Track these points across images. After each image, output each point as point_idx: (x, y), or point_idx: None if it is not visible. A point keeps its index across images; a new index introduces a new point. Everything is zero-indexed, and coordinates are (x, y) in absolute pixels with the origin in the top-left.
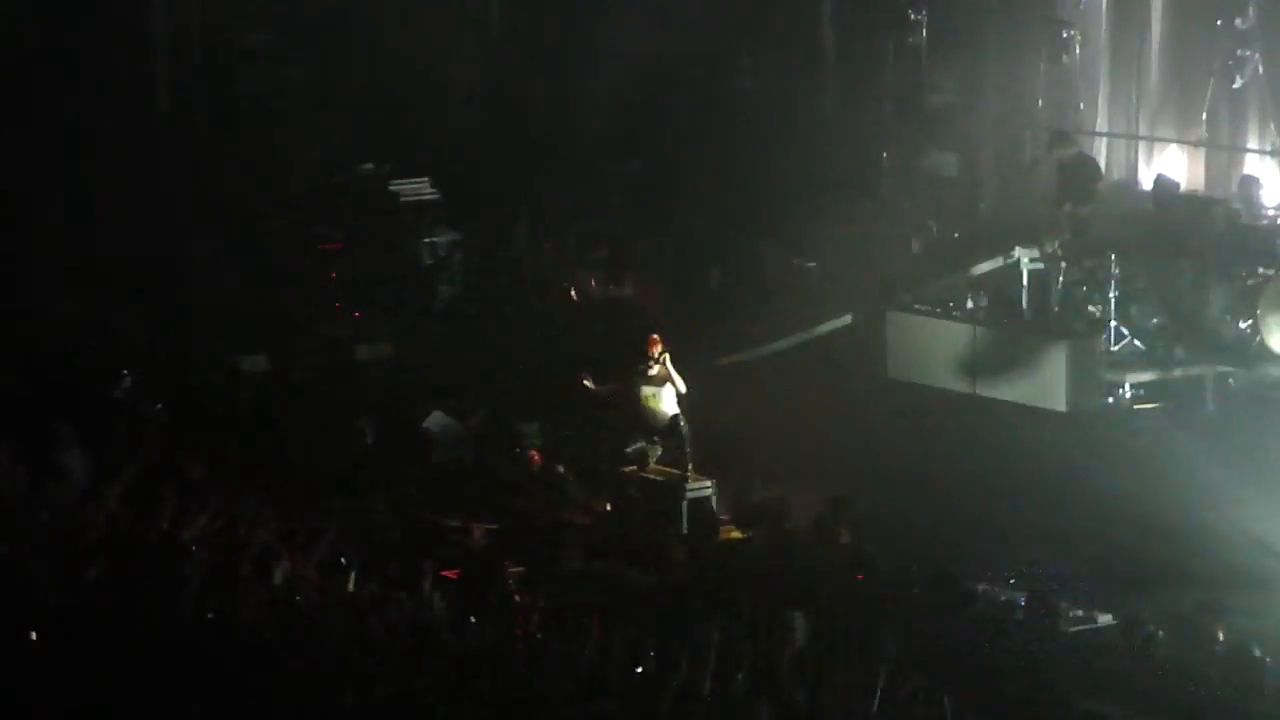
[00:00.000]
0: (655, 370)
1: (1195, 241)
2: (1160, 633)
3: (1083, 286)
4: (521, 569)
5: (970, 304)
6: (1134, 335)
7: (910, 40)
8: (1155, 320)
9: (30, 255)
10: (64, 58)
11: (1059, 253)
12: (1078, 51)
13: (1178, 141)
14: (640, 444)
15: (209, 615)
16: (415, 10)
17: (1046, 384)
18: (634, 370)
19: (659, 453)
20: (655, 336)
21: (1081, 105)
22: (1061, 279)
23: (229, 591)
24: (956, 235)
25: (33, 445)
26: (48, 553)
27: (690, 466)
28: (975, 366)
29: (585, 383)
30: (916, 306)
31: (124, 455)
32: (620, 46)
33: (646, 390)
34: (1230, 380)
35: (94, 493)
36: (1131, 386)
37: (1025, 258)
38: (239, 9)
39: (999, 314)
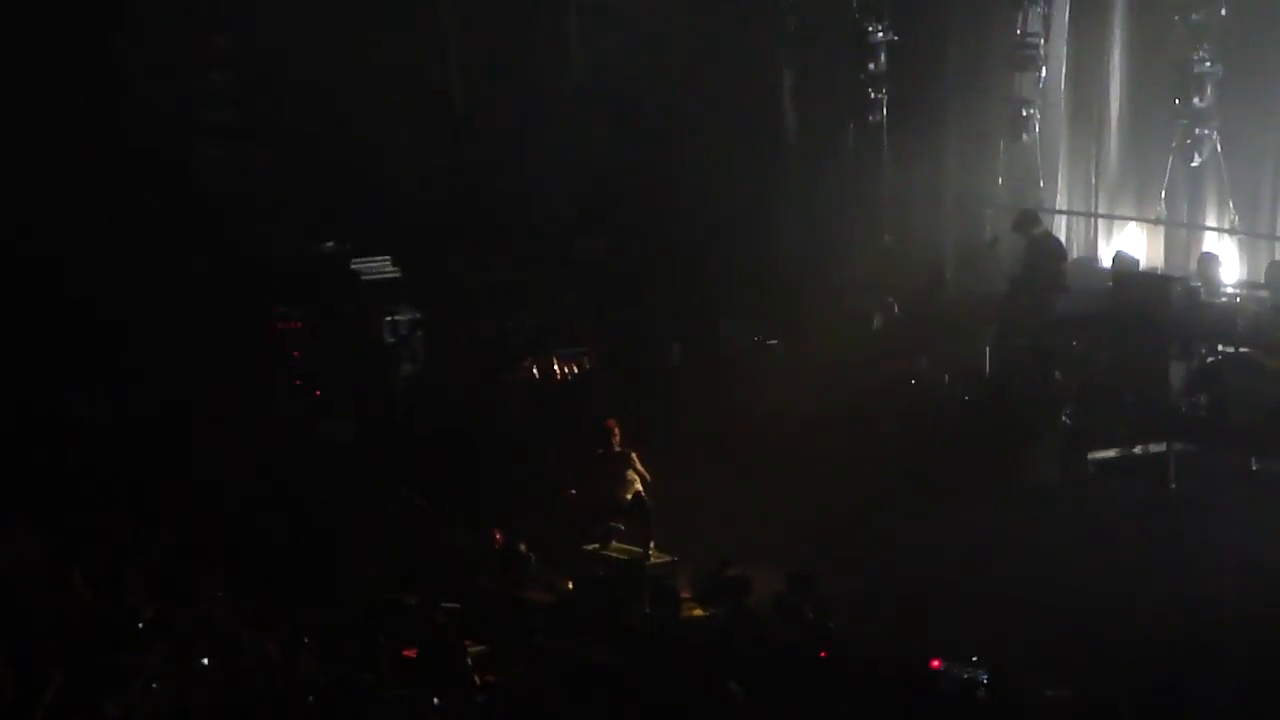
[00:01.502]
0: (615, 449)
1: (1155, 319)
2: (1125, 710)
3: (1045, 364)
4: (483, 647)
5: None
6: (1096, 412)
7: (871, 119)
8: (1117, 397)
9: None
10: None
11: (1022, 330)
12: (1037, 129)
13: (1136, 219)
14: (602, 522)
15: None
16: (377, 88)
17: (1008, 460)
18: (595, 450)
19: (620, 530)
20: (613, 420)
21: (1041, 183)
22: (1024, 357)
23: (185, 669)
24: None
25: None
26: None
27: (652, 544)
28: (940, 443)
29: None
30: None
31: (85, 535)
32: (582, 127)
33: (607, 468)
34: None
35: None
36: (1094, 463)
37: (987, 335)
38: (200, 87)
39: (961, 389)
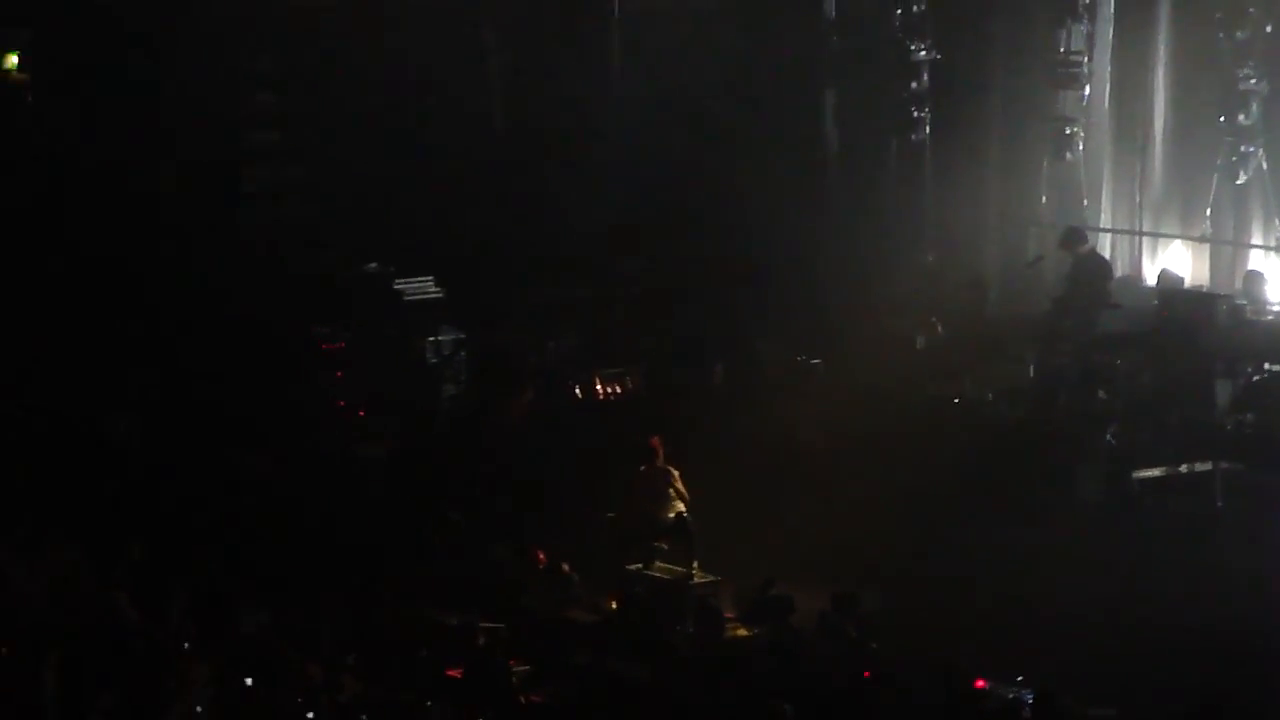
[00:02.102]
0: (658, 469)
1: (1200, 337)
2: None
3: (1090, 382)
4: (526, 667)
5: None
6: (1141, 431)
7: (914, 138)
8: (1162, 416)
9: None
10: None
11: (1067, 349)
12: (1081, 148)
13: (1182, 237)
14: (645, 541)
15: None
16: (419, 109)
17: (1053, 479)
18: (637, 469)
19: (664, 550)
20: (656, 438)
21: (1085, 201)
22: (1068, 375)
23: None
24: (960, 332)
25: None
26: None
27: (695, 564)
28: (985, 463)
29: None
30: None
31: (129, 555)
32: (625, 147)
33: (650, 488)
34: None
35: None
36: (1139, 482)
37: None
38: (243, 109)
39: (1007, 409)
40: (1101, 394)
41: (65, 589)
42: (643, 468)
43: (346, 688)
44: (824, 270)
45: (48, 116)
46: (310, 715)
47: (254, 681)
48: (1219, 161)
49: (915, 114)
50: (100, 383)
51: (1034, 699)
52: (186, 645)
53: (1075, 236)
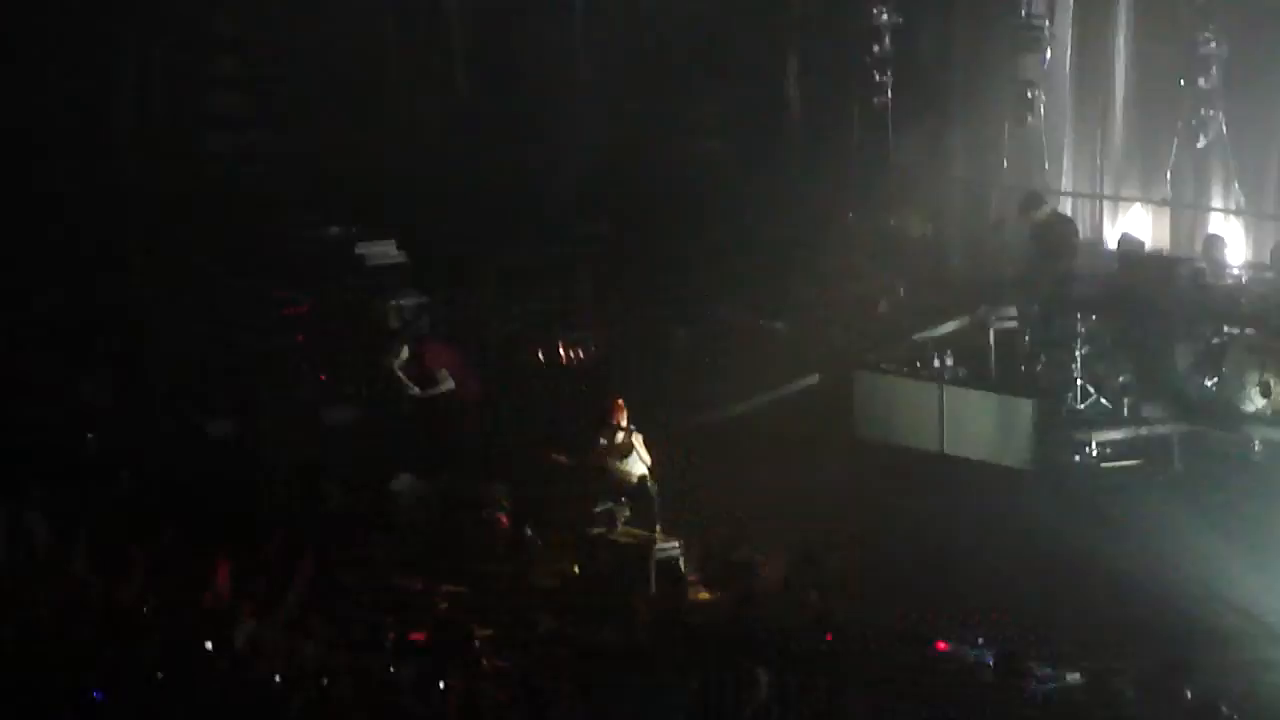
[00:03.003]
0: (620, 432)
1: (1160, 300)
2: (1128, 691)
3: (1049, 345)
4: (490, 632)
5: (937, 363)
6: (1100, 394)
7: (876, 101)
8: (1121, 379)
9: None
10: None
11: (1027, 311)
12: (1042, 111)
13: (1142, 200)
14: (608, 505)
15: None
16: (383, 71)
17: (1014, 443)
18: (600, 432)
19: (626, 514)
20: (619, 399)
21: (1046, 165)
22: (1028, 338)
23: (191, 656)
24: (923, 295)
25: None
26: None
27: (658, 527)
28: (943, 426)
29: (555, 456)
30: (884, 366)
31: (88, 519)
32: (587, 108)
33: (612, 451)
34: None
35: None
36: (1098, 445)
37: (992, 316)
38: (205, 72)
39: (966, 373)
40: (1061, 357)
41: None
42: (605, 430)
43: (310, 653)
44: (787, 233)
45: (6, 81)
46: (276, 680)
47: (215, 647)
48: (1179, 125)
49: (877, 78)
50: (66, 347)
51: (995, 660)
52: (145, 610)
53: (1032, 201)
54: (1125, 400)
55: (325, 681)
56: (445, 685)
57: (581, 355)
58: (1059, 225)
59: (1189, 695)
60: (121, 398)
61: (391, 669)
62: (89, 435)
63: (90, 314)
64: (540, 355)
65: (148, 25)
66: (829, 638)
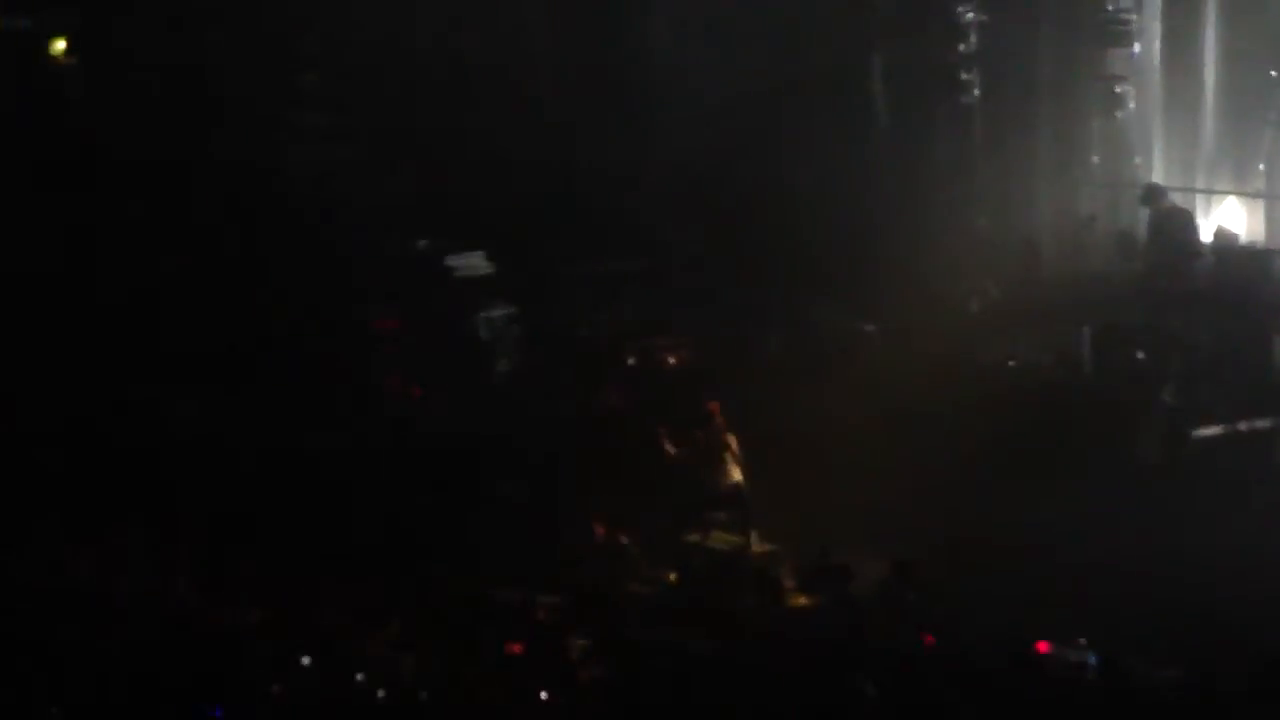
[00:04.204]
0: (716, 437)
1: (1256, 294)
2: (1234, 691)
3: (1156, 341)
4: (586, 642)
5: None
6: (1199, 390)
7: (963, 100)
8: (1219, 374)
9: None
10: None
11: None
12: (1131, 106)
13: (1236, 193)
14: (703, 511)
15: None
16: (468, 81)
17: (1113, 440)
18: (694, 437)
19: (722, 520)
20: (714, 403)
21: (1138, 159)
22: (1126, 334)
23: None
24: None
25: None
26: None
27: (754, 533)
28: (1043, 425)
29: (665, 444)
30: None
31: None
32: (673, 116)
33: (707, 457)
34: None
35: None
36: (1199, 440)
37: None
38: (289, 89)
39: (1066, 371)
40: (1160, 353)
41: (119, 572)
42: (699, 436)
43: (408, 665)
44: (876, 235)
45: (93, 100)
46: (380, 694)
47: (313, 661)
48: (1272, 115)
49: (963, 76)
50: (158, 366)
51: (1098, 661)
52: (248, 628)
53: (1156, 193)
54: (1224, 395)
55: (425, 694)
56: (544, 697)
57: (674, 362)
58: (1177, 218)
59: None
60: (218, 417)
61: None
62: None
63: (185, 333)
64: (633, 363)
65: (232, 42)
66: (929, 641)
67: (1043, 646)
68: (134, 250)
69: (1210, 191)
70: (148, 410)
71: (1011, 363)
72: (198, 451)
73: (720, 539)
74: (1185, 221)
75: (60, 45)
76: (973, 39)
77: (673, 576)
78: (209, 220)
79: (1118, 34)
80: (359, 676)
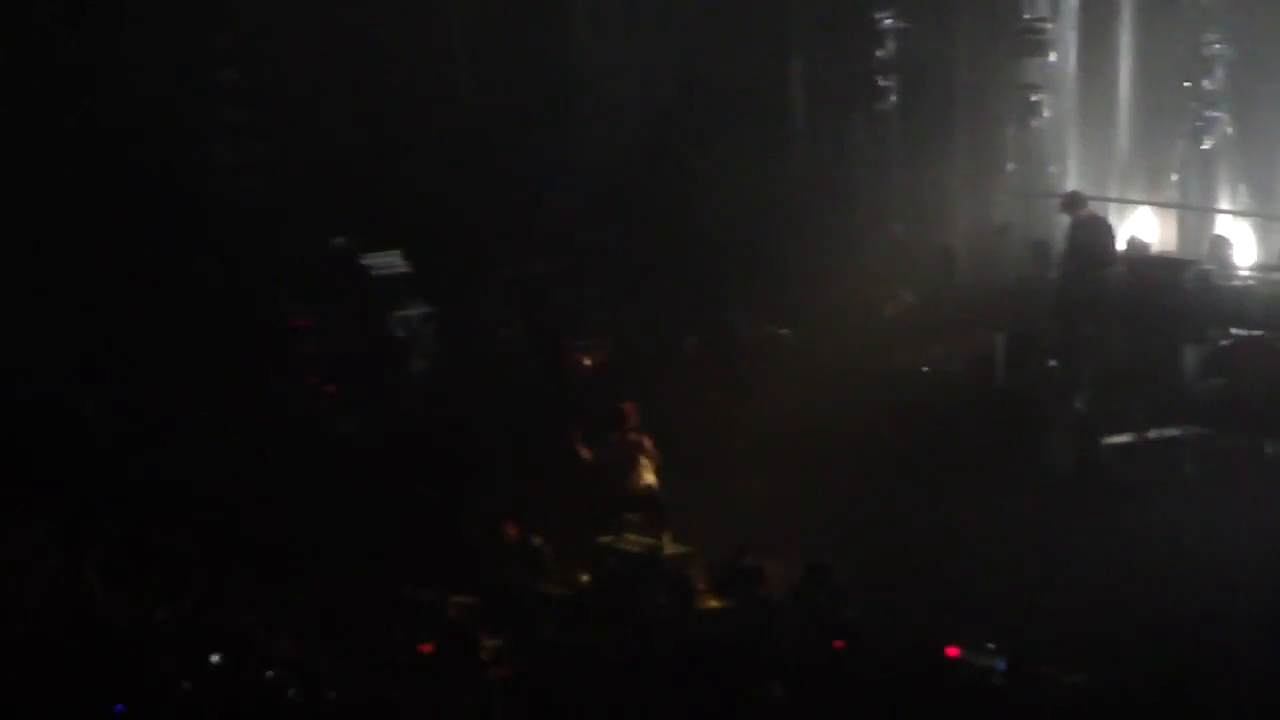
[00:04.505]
0: (630, 438)
1: (1168, 303)
2: (1140, 696)
3: (1058, 348)
4: (497, 642)
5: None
6: (1109, 398)
7: (879, 106)
8: (1129, 382)
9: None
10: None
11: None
12: (1047, 114)
13: (1149, 203)
14: (616, 512)
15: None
16: (387, 79)
17: (1021, 447)
18: (609, 438)
19: (635, 522)
20: (629, 404)
21: (1052, 168)
22: (1039, 342)
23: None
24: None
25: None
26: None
27: (667, 535)
28: (954, 431)
29: (578, 447)
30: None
31: (98, 533)
32: (590, 119)
33: (621, 458)
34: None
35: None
36: (1108, 449)
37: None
38: (207, 85)
39: (978, 377)
40: (1069, 360)
41: (30, 570)
42: (614, 437)
43: (318, 664)
44: (792, 240)
45: (8, 96)
46: (290, 693)
47: (223, 659)
48: (1185, 127)
49: (880, 83)
50: (68, 360)
51: (1006, 666)
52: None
53: (1075, 200)
54: (1133, 404)
55: (334, 693)
56: (454, 695)
57: (589, 363)
58: (1095, 226)
59: (1203, 702)
60: (127, 412)
61: (399, 679)
62: (92, 449)
63: (90, 325)
64: (548, 364)
65: (152, 39)
66: (839, 645)
67: (952, 651)
68: (47, 246)
69: (1124, 201)
70: (59, 407)
71: (925, 369)
72: (108, 448)
73: (633, 540)
74: (1103, 230)
75: None
76: (890, 45)
77: (585, 577)
78: (124, 216)
79: (1034, 43)
80: (268, 674)
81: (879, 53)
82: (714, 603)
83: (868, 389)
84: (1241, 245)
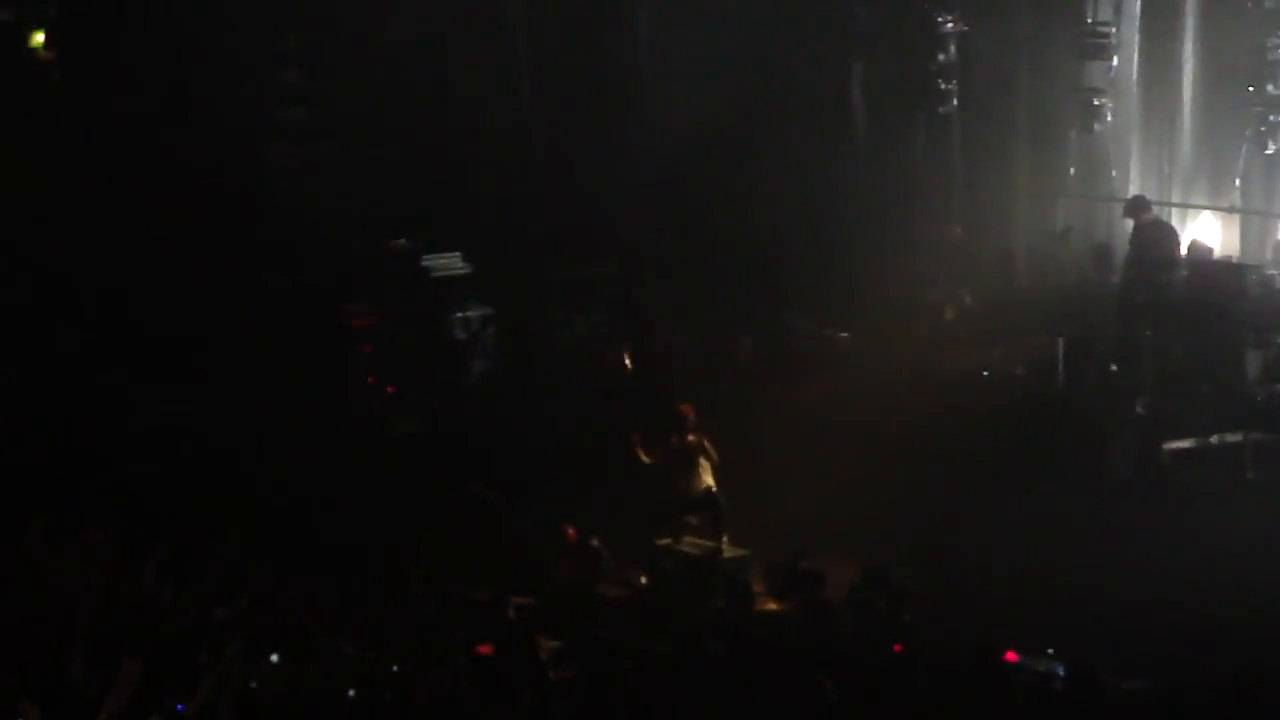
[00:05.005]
0: (689, 440)
1: (1230, 308)
2: (1203, 702)
3: (1119, 353)
4: (556, 643)
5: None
6: (1171, 403)
7: (941, 110)
8: (1191, 387)
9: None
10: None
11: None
12: (1109, 119)
13: (1211, 208)
14: (675, 515)
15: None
16: (447, 84)
17: (1084, 451)
18: (668, 440)
19: (694, 524)
20: (688, 406)
21: (1114, 172)
22: (1100, 346)
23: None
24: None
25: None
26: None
27: (725, 538)
28: (1015, 435)
29: (637, 449)
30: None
31: (159, 533)
32: (651, 121)
33: (679, 460)
34: None
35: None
36: (1170, 453)
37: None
38: (270, 86)
39: (1039, 381)
40: (1132, 365)
41: (92, 571)
42: (673, 439)
43: (377, 664)
44: (852, 243)
45: (73, 95)
46: (349, 693)
47: (282, 659)
48: (1248, 131)
49: (943, 86)
50: (129, 361)
51: (1066, 671)
52: (218, 621)
53: (1139, 205)
54: (1196, 409)
55: (393, 693)
56: (512, 696)
57: (648, 364)
58: (1159, 231)
59: (1266, 707)
60: (188, 412)
61: (459, 680)
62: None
63: (155, 328)
64: (607, 365)
65: (213, 39)
66: (898, 648)
67: (1011, 656)
68: (110, 246)
69: (1186, 206)
70: (121, 406)
71: (985, 372)
72: (170, 448)
73: (692, 543)
74: (1167, 235)
75: (39, 38)
76: (952, 49)
77: (644, 579)
78: (187, 217)
79: (1096, 47)
80: (328, 675)
81: (941, 56)
82: (772, 606)
83: (927, 393)
84: None
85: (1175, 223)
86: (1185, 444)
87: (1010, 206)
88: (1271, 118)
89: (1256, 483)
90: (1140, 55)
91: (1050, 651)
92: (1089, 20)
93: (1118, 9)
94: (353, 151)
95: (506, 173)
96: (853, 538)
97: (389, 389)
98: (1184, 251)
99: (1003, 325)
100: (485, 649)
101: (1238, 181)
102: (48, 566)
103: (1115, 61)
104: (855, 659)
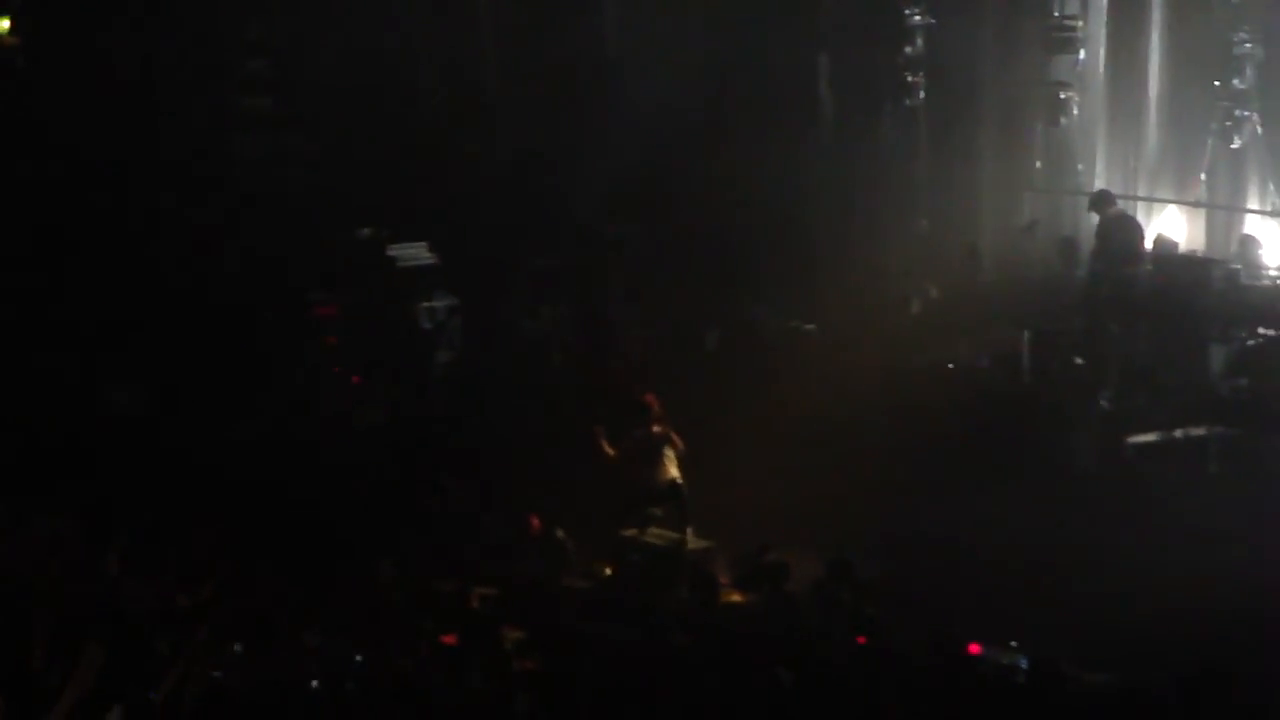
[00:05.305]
0: (654, 432)
1: (1195, 302)
2: (1167, 696)
3: (1084, 347)
4: (520, 634)
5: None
6: (1135, 397)
7: (908, 103)
8: (1155, 381)
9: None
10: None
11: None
12: (1075, 112)
13: (1177, 202)
14: (639, 506)
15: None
16: (412, 74)
17: (1048, 445)
18: (632, 431)
19: (658, 516)
20: (653, 397)
21: (1080, 166)
22: (1065, 340)
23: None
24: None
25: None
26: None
27: (690, 529)
28: (979, 428)
29: (601, 440)
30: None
31: (121, 521)
32: (618, 112)
33: (644, 452)
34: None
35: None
36: (1134, 447)
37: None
38: (235, 74)
39: (1001, 375)
40: (1095, 358)
41: (52, 557)
42: (638, 430)
43: (341, 654)
44: (818, 236)
45: (38, 82)
46: (314, 683)
47: (246, 648)
48: (1214, 126)
49: (909, 79)
50: (93, 349)
51: (1029, 664)
52: (181, 610)
53: (1105, 199)
54: (1159, 403)
55: (356, 683)
56: (475, 686)
57: (612, 355)
58: (1125, 225)
59: (1231, 702)
60: (151, 400)
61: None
62: (116, 438)
63: (118, 316)
64: (571, 356)
65: (177, 26)
66: (862, 641)
67: (974, 648)
68: (75, 234)
69: (1151, 200)
70: (82, 393)
71: (950, 365)
72: (132, 435)
73: (656, 534)
74: (1132, 229)
75: (4, 24)
76: (919, 42)
77: (608, 571)
78: (150, 206)
79: (1063, 41)
80: (293, 665)
81: (908, 49)
82: (737, 598)
83: (892, 385)
84: (1270, 244)
85: (1141, 217)
86: (1149, 438)
87: (976, 200)
88: (1237, 112)
89: (1220, 477)
90: (1107, 49)
91: (1013, 644)
92: (1056, 14)
93: (1084, 3)
94: (318, 141)
95: (472, 162)
96: (818, 530)
97: (354, 379)
98: (1149, 246)
99: (968, 318)
100: (449, 639)
101: (1203, 176)
102: (6, 554)
103: (1082, 55)
104: (820, 651)
